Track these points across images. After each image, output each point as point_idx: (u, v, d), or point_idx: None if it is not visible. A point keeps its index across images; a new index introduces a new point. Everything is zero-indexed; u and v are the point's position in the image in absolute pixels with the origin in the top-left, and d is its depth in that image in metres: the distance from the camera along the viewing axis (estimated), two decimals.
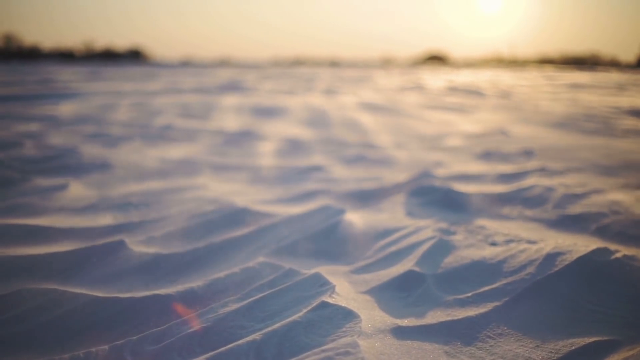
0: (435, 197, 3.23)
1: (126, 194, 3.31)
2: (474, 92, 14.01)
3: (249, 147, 5.26)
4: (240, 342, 1.52)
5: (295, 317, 1.64)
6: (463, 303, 1.84)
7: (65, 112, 7.88)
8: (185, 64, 53.67)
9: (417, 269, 2.07)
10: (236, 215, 2.76)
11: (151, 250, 2.31)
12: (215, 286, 1.95)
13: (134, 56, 72.62)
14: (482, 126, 6.92)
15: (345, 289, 1.89)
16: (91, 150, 4.76)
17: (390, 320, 1.70)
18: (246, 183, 3.72)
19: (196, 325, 1.65)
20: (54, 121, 6.95)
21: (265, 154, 4.87)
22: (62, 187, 3.39)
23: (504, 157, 4.68)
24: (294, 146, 5.32)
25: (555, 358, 1.50)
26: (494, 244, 2.36)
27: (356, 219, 2.74)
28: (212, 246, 2.36)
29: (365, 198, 3.27)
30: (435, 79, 22.02)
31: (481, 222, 2.71)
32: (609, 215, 2.75)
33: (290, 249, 2.37)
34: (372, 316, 1.70)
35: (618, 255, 2.01)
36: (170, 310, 1.79)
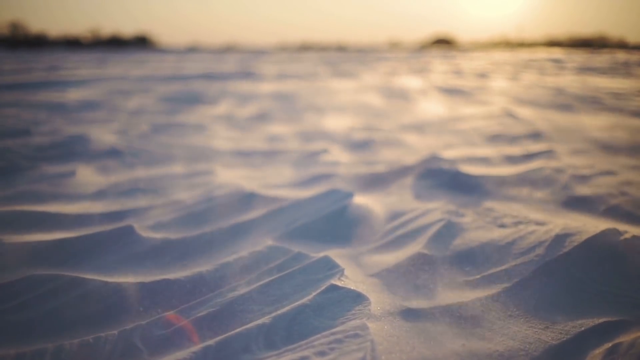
0: (443, 179, 3.23)
1: (134, 179, 3.32)
2: (481, 74, 13.91)
3: (258, 132, 5.25)
4: (249, 325, 1.53)
5: (304, 300, 1.65)
6: (472, 285, 1.84)
7: (73, 99, 7.89)
8: (192, 50, 53.57)
9: (426, 251, 2.07)
10: (244, 200, 2.76)
11: (160, 235, 2.32)
12: (224, 270, 1.95)
13: (141, 43, 72.42)
14: (490, 109, 6.87)
15: (354, 272, 1.89)
16: (99, 137, 4.77)
17: (400, 303, 1.70)
18: (254, 167, 3.72)
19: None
20: (62, 108, 6.96)
21: (274, 139, 4.86)
22: (71, 174, 3.40)
23: (511, 140, 4.66)
24: (300, 131, 5.31)
25: (564, 339, 1.50)
26: (502, 225, 2.35)
27: (365, 202, 2.74)
28: (220, 231, 2.37)
29: (374, 181, 3.27)
30: (442, 62, 21.88)
31: (490, 204, 2.70)
32: (618, 196, 2.74)
33: (298, 233, 2.37)
34: (381, 299, 1.70)
35: (627, 235, 2.00)
36: (180, 294, 1.80)
